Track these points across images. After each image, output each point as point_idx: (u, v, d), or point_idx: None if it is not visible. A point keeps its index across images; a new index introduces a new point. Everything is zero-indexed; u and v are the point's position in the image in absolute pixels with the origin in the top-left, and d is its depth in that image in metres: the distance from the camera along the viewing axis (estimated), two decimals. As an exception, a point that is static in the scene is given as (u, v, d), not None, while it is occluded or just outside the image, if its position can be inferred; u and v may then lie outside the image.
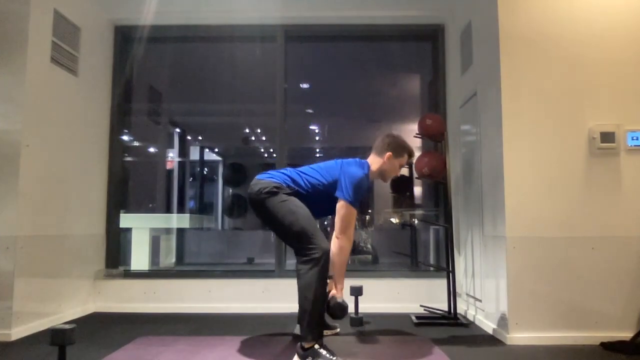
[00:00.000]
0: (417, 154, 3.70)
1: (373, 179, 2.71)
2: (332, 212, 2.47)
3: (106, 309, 3.63)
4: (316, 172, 2.54)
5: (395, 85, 5.13)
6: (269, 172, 2.56)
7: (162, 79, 4.90)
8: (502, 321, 2.74)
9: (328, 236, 2.52)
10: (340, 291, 2.46)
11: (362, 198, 2.48)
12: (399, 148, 2.64)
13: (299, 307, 2.31)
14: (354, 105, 5.14)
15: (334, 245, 2.41)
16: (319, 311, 2.28)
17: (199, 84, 5.08)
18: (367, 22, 3.99)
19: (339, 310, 2.41)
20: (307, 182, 2.50)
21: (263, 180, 2.48)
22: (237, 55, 4.56)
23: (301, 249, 2.33)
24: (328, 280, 2.40)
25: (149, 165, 5.25)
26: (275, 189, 2.41)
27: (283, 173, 2.53)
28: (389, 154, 2.61)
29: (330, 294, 2.45)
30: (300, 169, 2.59)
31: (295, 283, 2.35)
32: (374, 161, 2.64)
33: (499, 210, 2.80)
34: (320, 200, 2.49)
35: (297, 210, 2.38)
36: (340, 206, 2.42)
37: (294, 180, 2.49)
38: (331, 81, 5.07)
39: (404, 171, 4.44)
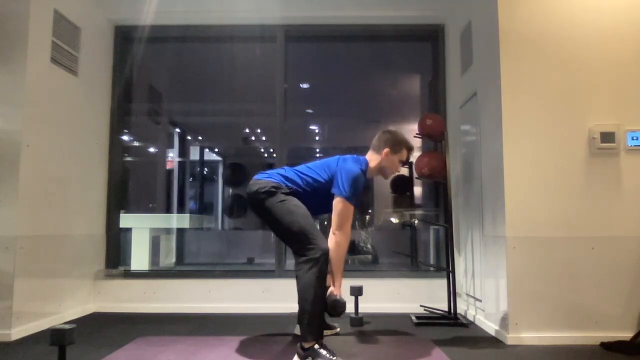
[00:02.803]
0: (417, 154, 3.70)
1: (372, 176, 2.69)
2: (330, 209, 2.46)
3: (106, 309, 3.63)
4: (313, 170, 2.53)
5: (395, 85, 5.13)
6: (266, 172, 2.56)
7: (162, 79, 4.89)
8: (502, 321, 2.74)
9: (327, 233, 2.52)
10: (338, 288, 2.44)
11: (358, 194, 2.46)
12: (397, 144, 2.61)
13: (299, 307, 2.31)
14: (354, 105, 5.14)
15: (331, 241, 2.40)
16: (319, 311, 2.28)
17: (199, 84, 5.08)
18: (367, 22, 3.99)
19: (337, 307, 2.38)
20: (304, 181, 2.50)
21: (261, 180, 2.48)
22: (237, 55, 4.56)
23: (300, 249, 2.33)
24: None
25: (149, 165, 5.24)
26: (273, 189, 2.41)
27: (280, 173, 2.53)
28: (386, 150, 2.59)
29: (328, 292, 2.43)
30: (298, 167, 2.59)
31: (295, 283, 2.36)
32: (372, 158, 2.62)
33: (499, 210, 2.80)
34: (319, 198, 2.49)
35: (296, 210, 2.38)
36: (337, 202, 2.40)
37: (291, 180, 2.49)
38: (331, 81, 5.07)
39: (404, 171, 4.45)
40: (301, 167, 2.59)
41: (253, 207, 2.51)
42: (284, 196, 2.42)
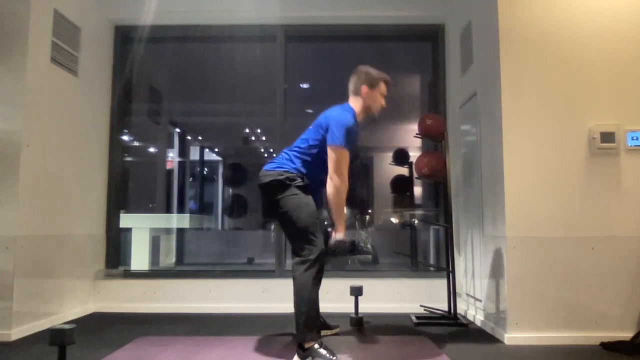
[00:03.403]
0: (417, 154, 3.71)
1: (362, 120, 2.63)
2: None
3: (106, 309, 3.63)
4: (307, 138, 2.51)
5: (395, 85, 5.13)
6: (274, 160, 2.54)
7: (162, 79, 4.89)
8: (502, 321, 2.74)
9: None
10: (341, 231, 2.39)
11: (353, 140, 2.42)
12: (372, 78, 2.58)
13: (295, 307, 2.30)
14: (354, 105, 5.13)
15: (329, 187, 2.37)
16: (315, 311, 2.29)
17: (199, 84, 5.08)
18: (367, 22, 3.99)
19: (338, 246, 2.33)
20: (305, 153, 2.47)
21: (273, 171, 2.46)
22: (237, 55, 4.56)
23: (299, 247, 2.34)
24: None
25: (149, 165, 5.25)
26: (287, 181, 2.40)
27: (286, 159, 2.50)
28: (364, 88, 2.56)
29: (333, 236, 2.39)
30: (295, 144, 2.56)
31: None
32: (355, 102, 2.59)
33: (499, 210, 2.80)
34: (322, 162, 2.45)
35: (306, 208, 2.38)
36: (331, 150, 2.38)
37: (296, 159, 2.48)
38: (331, 81, 5.06)
39: (404, 171, 4.45)
40: (297, 142, 2.56)
41: (264, 198, 2.50)
42: (296, 190, 2.41)
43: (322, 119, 2.51)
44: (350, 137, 2.39)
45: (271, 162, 2.54)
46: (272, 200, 2.45)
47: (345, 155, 2.38)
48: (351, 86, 2.62)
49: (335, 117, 2.43)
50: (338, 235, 2.39)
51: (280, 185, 2.40)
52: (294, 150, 2.52)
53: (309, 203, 2.41)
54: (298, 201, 2.39)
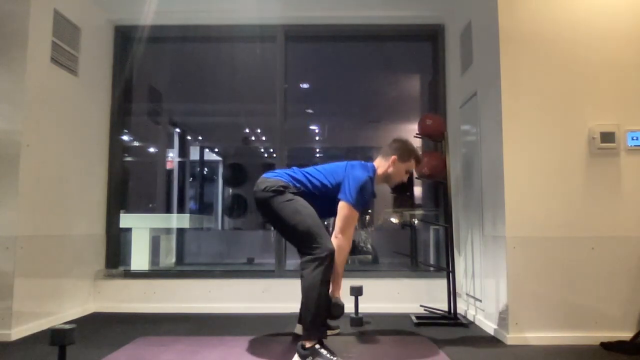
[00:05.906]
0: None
1: (378, 184, 2.66)
2: (335, 213, 2.45)
3: (106, 309, 3.63)
4: (321, 174, 2.52)
5: (395, 85, 5.13)
6: (275, 171, 2.56)
7: (162, 79, 4.89)
8: (502, 321, 2.74)
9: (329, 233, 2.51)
10: (338, 291, 2.45)
11: (365, 201, 2.44)
12: (406, 152, 2.61)
13: (303, 306, 2.30)
14: (354, 105, 5.14)
15: (333, 244, 2.39)
16: (322, 311, 2.27)
17: (199, 84, 5.08)
18: (367, 22, 3.99)
19: (336, 309, 2.40)
20: (312, 184, 2.49)
21: (270, 178, 2.47)
22: (237, 55, 4.56)
23: (306, 248, 2.33)
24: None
25: (149, 165, 5.24)
26: (281, 188, 2.40)
27: (288, 173, 2.52)
28: (394, 157, 2.59)
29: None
30: (307, 169, 2.58)
31: (295, 283, 2.36)
32: (380, 164, 2.62)
33: (499, 210, 2.80)
34: (325, 202, 2.48)
35: (303, 209, 2.37)
36: (342, 207, 2.40)
37: (299, 181, 2.48)
38: (331, 81, 5.07)
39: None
40: (310, 169, 2.57)
41: (259, 206, 2.48)
42: (292, 196, 2.41)
43: (341, 168, 2.51)
44: (363, 197, 2.41)
45: (271, 172, 2.54)
46: (266, 209, 2.44)
47: (355, 215, 2.41)
48: (385, 148, 2.66)
49: (354, 175, 2.44)
50: (333, 297, 2.41)
51: (274, 192, 2.40)
52: (305, 174, 2.51)
53: (306, 205, 2.40)
54: (295, 205, 2.38)
